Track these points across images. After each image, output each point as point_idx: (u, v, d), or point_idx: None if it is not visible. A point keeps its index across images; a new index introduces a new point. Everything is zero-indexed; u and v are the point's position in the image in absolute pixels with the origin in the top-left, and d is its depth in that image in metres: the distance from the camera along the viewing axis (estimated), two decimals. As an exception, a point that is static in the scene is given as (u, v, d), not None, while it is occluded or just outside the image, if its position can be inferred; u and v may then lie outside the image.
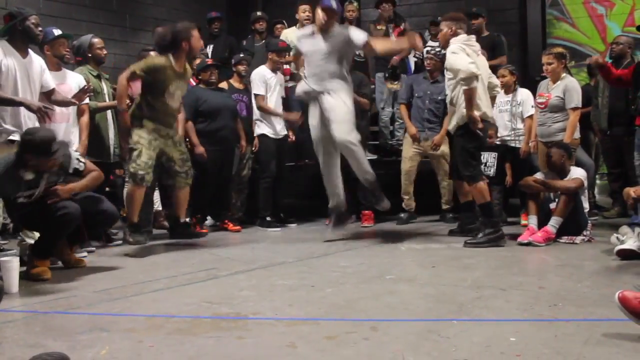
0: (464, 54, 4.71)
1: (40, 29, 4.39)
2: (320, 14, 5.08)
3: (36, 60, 4.51)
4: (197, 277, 3.84)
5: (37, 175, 3.88)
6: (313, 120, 5.21)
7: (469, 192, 5.04)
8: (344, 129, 4.97)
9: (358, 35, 5.10)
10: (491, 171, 5.85)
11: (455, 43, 4.81)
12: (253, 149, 6.24)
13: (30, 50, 4.47)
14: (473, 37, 4.99)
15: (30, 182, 3.86)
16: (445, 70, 5.01)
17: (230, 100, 6.12)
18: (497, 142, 5.90)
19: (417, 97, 6.25)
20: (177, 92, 4.94)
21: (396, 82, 6.84)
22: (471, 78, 4.62)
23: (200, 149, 5.76)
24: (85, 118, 5.04)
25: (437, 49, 6.16)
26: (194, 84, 6.20)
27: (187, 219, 5.46)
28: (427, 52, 6.37)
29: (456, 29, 4.88)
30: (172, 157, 4.96)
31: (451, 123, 5.05)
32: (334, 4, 5.08)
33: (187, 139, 5.72)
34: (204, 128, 5.86)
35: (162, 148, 4.89)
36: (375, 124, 7.24)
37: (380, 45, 5.36)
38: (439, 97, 6.07)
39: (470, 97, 4.67)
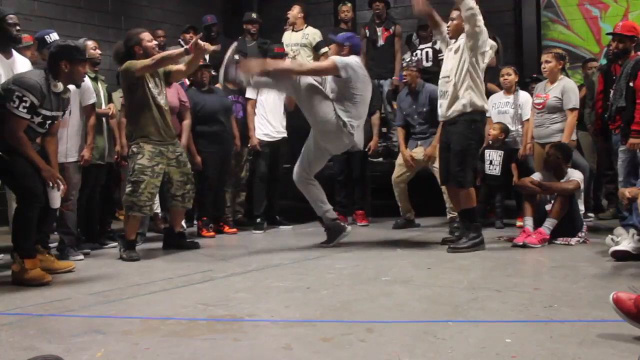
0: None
1: (18, 28, 4.33)
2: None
3: (22, 61, 4.47)
4: (193, 279, 3.83)
5: (59, 95, 3.92)
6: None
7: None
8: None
9: None
10: (496, 170, 5.82)
11: None
12: (248, 146, 6.23)
13: (14, 51, 4.44)
14: None
15: (52, 103, 3.87)
16: (452, 51, 4.64)
17: (225, 100, 6.08)
18: (506, 140, 5.91)
19: (406, 115, 6.01)
20: (162, 93, 4.69)
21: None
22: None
23: (197, 159, 5.65)
24: (92, 120, 4.83)
25: (411, 60, 6.06)
26: (188, 83, 6.19)
27: (183, 229, 5.38)
28: (404, 66, 6.09)
29: None
30: (172, 178, 4.76)
31: (448, 110, 4.62)
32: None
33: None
34: (206, 130, 5.80)
35: (165, 169, 4.69)
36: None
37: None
38: (424, 109, 5.85)
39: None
